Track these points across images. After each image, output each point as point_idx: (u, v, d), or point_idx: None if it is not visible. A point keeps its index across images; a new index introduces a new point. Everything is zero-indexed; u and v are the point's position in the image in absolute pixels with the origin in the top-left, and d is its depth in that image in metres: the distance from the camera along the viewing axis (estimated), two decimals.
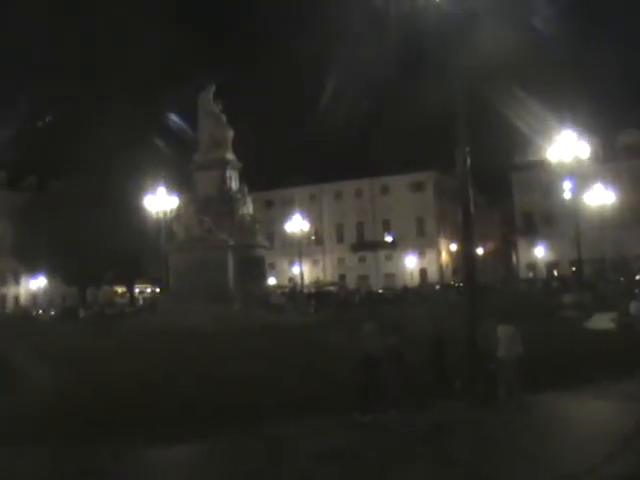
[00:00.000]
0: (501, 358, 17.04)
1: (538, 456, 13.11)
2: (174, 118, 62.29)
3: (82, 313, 73.85)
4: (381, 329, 17.90)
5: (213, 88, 48.71)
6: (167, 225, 51.74)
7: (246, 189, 48.23)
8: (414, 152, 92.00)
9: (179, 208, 51.53)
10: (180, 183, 54.77)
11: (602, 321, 31.73)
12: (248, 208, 47.77)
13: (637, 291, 39.75)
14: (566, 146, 39.54)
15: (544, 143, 44.47)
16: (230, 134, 48.12)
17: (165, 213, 52.76)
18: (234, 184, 47.64)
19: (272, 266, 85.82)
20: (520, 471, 12.34)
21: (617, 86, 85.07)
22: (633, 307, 31.95)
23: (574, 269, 73.50)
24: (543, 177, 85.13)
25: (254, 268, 45.54)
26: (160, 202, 53.42)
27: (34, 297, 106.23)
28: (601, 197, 66.49)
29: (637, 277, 65.28)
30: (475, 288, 22.18)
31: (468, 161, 22.08)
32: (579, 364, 19.62)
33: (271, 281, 74.87)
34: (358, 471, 12.38)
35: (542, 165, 49.82)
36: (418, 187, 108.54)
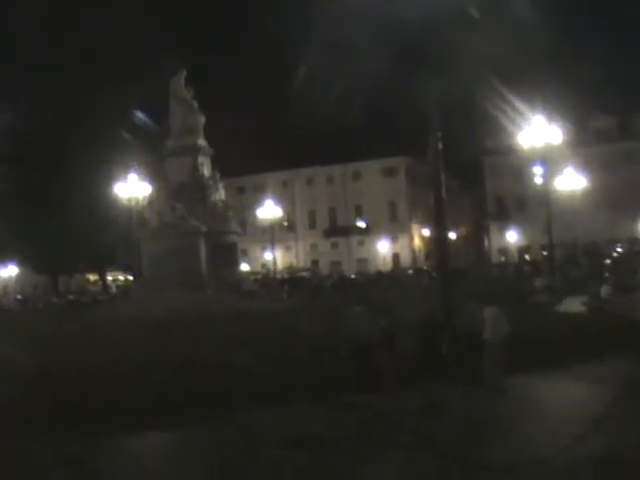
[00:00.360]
0: (487, 339, 17.42)
1: (512, 438, 13.26)
2: (140, 113, 62.10)
3: (55, 301, 73.56)
4: (370, 313, 18.13)
5: (184, 74, 48.32)
6: (139, 212, 51.52)
7: (218, 175, 48.04)
8: (386, 138, 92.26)
9: (151, 195, 51.29)
10: (152, 170, 54.50)
11: (573, 305, 32.02)
12: (220, 194, 47.60)
13: (607, 275, 40.01)
14: (538, 131, 39.70)
15: (516, 128, 44.64)
16: (202, 120, 47.88)
17: (137, 200, 52.54)
18: (206, 170, 47.44)
19: (245, 252, 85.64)
20: (495, 453, 12.46)
21: (589, 72, 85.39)
22: (604, 291, 32.26)
23: (545, 253, 73.84)
24: (515, 162, 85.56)
25: (227, 254, 45.41)
26: (132, 189, 53.20)
27: (5, 286, 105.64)
28: (572, 182, 66.84)
29: (607, 261, 65.67)
30: (448, 272, 22.32)
31: (440, 146, 22.18)
32: (551, 348, 19.80)
33: (244, 267, 74.76)
34: (333, 457, 12.41)
35: (514, 150, 49.95)
36: (390, 172, 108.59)
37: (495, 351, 17.28)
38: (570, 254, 74.67)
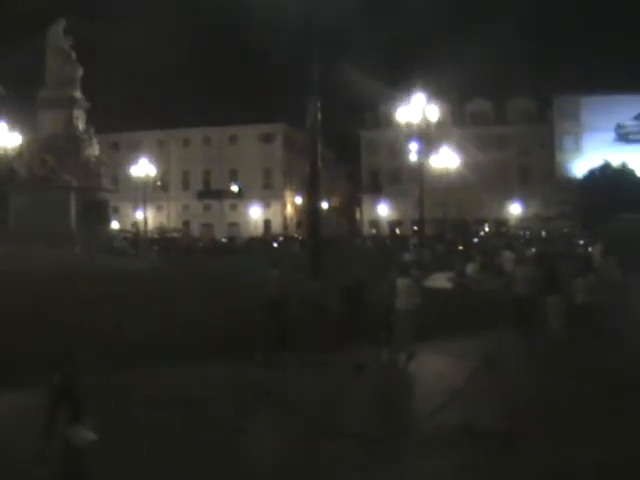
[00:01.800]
0: (400, 309, 17.93)
1: (379, 408, 13.60)
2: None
3: None
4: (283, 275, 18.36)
5: (63, 23, 46.97)
6: (8, 163, 49.98)
7: (93, 130, 47.07)
8: (266, 103, 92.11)
9: (21, 146, 49.86)
10: (23, 120, 52.90)
11: (440, 280, 32.82)
12: (94, 150, 46.64)
13: (474, 253, 41.01)
14: (416, 109, 40.18)
15: (395, 104, 45.09)
16: (79, 72, 46.66)
17: (5, 150, 50.94)
18: (81, 124, 46.36)
19: (116, 210, 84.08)
20: (362, 422, 12.72)
21: (469, 57, 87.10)
22: (470, 268, 33.16)
23: (416, 229, 75.15)
24: (392, 137, 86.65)
25: (98, 211, 44.61)
26: (0, 139, 51.52)
27: None
28: (446, 161, 68.06)
29: (475, 240, 67.30)
30: (318, 241, 22.51)
31: (319, 116, 22.27)
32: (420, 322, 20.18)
33: (114, 225, 73.52)
34: (196, 420, 12.37)
35: (391, 125, 50.51)
36: (267, 138, 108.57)
37: (407, 320, 17.83)
38: (440, 231, 76.27)
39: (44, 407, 7.95)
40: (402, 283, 18.48)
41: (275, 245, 78.03)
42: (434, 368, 17.60)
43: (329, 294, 19.28)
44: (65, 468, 7.91)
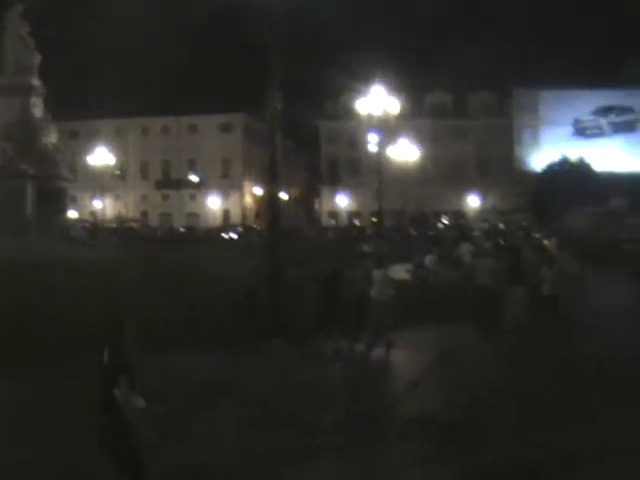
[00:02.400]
0: (374, 299, 18.32)
1: (340, 398, 13.65)
2: None
3: None
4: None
5: (20, 8, 46.36)
6: None
7: (50, 117, 46.61)
8: (225, 93, 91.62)
9: None
10: None
11: (399, 272, 32.93)
12: (52, 138, 46.16)
13: (432, 245, 41.18)
14: (376, 100, 40.22)
15: (355, 96, 45.13)
16: (37, 59, 46.08)
17: None
18: (38, 112, 45.85)
19: (74, 199, 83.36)
20: (319, 412, 12.74)
21: (430, 49, 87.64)
22: (428, 260, 33.32)
23: (374, 220, 75.35)
24: (351, 128, 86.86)
25: (55, 200, 44.18)
26: None
27: None
28: (405, 152, 68.21)
29: (430, 233, 67.54)
30: (277, 232, 22.49)
31: (279, 106, 22.22)
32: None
33: (72, 214, 72.91)
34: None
35: (351, 116, 50.57)
36: (227, 128, 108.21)
37: (380, 310, 18.12)
38: (398, 222, 76.57)
39: (98, 376, 8.00)
40: (377, 274, 18.94)
41: (234, 236, 78.13)
42: (394, 360, 17.72)
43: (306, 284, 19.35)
44: (122, 436, 7.90)
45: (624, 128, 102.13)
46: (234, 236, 79.17)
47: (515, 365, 15.87)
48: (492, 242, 37.74)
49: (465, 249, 32.36)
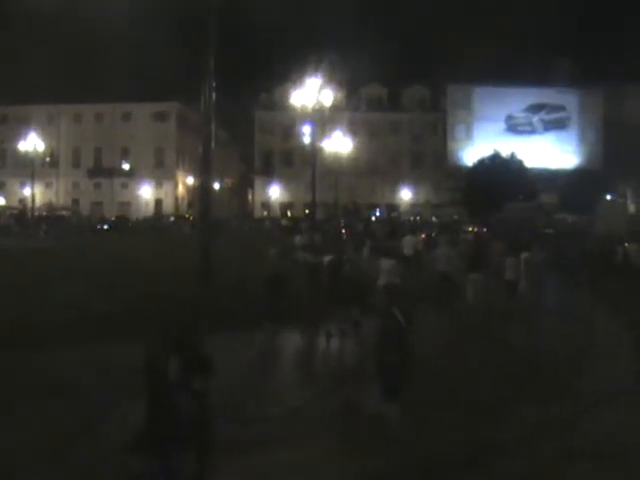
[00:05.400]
0: (381, 285, 19.39)
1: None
2: None
3: None
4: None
5: None
6: None
7: None
8: (159, 81, 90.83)
9: None
10: None
11: None
12: None
13: (364, 238, 41.24)
14: (310, 92, 40.18)
15: (290, 86, 45.03)
16: None
17: None
18: None
19: (2, 186, 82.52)
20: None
21: (367, 41, 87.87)
22: (365, 253, 33.46)
23: (307, 211, 75.45)
24: (286, 120, 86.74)
25: None
26: None
27: None
28: (339, 145, 68.36)
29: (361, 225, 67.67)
30: (209, 222, 22.40)
31: (213, 96, 22.11)
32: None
33: (0, 201, 71.86)
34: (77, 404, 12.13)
35: (286, 108, 50.42)
36: (161, 117, 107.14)
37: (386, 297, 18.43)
38: (331, 214, 76.74)
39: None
40: (385, 263, 20.13)
41: (166, 225, 77.63)
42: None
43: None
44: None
45: (555, 126, 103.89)
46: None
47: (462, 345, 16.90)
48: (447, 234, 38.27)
49: (407, 241, 32.84)
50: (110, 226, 76.18)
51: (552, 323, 20.60)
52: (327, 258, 19.80)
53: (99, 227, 75.46)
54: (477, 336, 18.05)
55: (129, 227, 76.82)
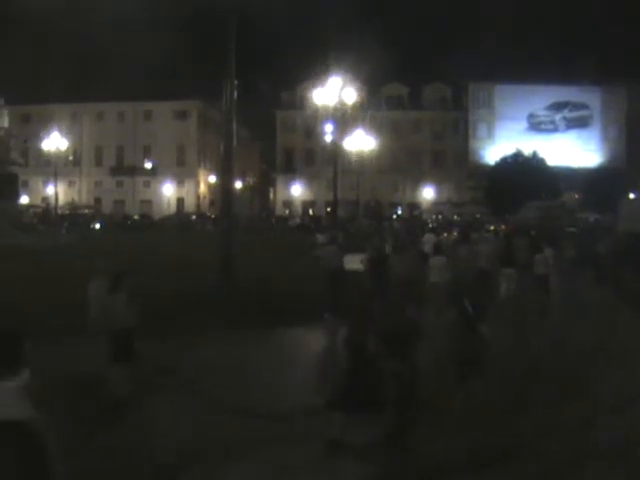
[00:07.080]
0: (433, 283, 20.59)
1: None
2: None
3: None
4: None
5: None
6: None
7: (3, 101, 46.03)
8: (181, 80, 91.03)
9: None
10: None
11: (354, 262, 32.86)
12: (3, 122, 45.63)
13: (386, 236, 41.14)
14: (332, 91, 40.19)
15: (312, 85, 45.07)
16: None
17: None
18: None
19: (25, 184, 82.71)
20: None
21: (387, 40, 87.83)
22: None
23: (329, 210, 75.45)
24: (307, 118, 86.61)
25: (5, 185, 43.68)
26: None
27: None
28: (361, 143, 68.30)
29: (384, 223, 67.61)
30: (231, 221, 22.38)
31: (235, 94, 22.09)
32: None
33: (23, 200, 72.14)
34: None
35: (308, 106, 50.50)
36: (182, 115, 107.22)
37: (440, 292, 19.97)
38: (353, 212, 76.69)
39: None
40: (435, 260, 21.38)
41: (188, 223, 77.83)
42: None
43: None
44: None
45: (577, 124, 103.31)
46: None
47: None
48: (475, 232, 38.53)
49: (427, 239, 32.86)
50: (133, 223, 76.77)
51: (591, 319, 20.53)
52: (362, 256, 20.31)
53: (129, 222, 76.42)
54: (530, 331, 18.46)
55: (155, 225, 77.18)
